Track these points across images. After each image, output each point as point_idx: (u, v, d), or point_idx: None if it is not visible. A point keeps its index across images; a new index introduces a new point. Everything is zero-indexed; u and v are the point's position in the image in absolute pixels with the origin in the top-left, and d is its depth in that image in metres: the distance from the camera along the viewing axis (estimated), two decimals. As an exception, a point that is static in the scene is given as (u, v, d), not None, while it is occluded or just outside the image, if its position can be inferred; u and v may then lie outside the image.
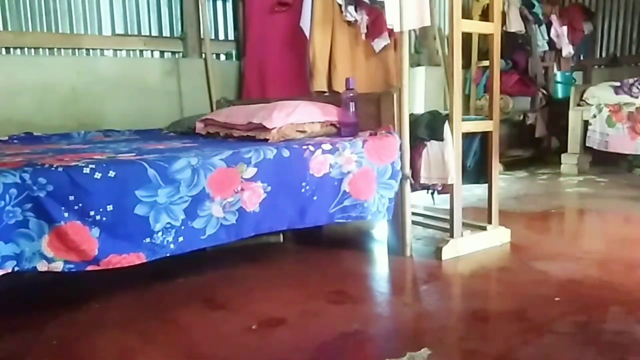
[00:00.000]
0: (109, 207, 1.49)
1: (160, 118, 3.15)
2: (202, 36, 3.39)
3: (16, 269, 1.39)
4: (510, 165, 4.54)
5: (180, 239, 1.63)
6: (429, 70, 4.64)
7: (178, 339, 1.48)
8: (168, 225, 1.60)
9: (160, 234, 1.58)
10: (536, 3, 4.77)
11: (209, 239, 1.70)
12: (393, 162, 2.06)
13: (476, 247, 2.23)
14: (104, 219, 1.48)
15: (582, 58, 5.40)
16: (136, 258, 1.56)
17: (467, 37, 4.12)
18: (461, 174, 2.19)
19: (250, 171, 1.75)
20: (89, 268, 1.49)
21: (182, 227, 1.63)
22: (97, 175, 1.47)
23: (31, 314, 1.65)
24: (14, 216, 1.37)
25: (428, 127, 2.14)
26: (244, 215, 1.75)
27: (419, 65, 4.70)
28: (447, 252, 2.13)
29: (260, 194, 1.78)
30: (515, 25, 4.40)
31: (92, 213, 1.46)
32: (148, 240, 1.57)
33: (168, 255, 1.62)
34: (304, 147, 1.89)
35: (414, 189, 2.21)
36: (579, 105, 4.51)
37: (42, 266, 1.42)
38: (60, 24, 3.10)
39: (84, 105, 3.01)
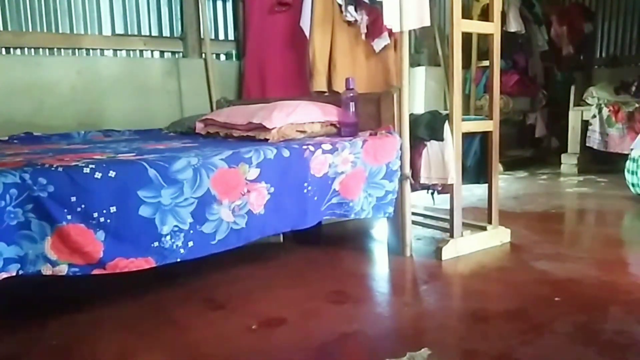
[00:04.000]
0: (112, 209, 1.48)
1: (160, 118, 3.15)
2: (202, 36, 3.39)
3: (20, 272, 1.38)
4: (510, 165, 4.54)
5: (190, 243, 1.62)
6: (429, 70, 4.64)
7: (178, 339, 1.48)
8: (176, 229, 1.58)
9: (168, 237, 1.57)
10: (536, 3, 4.77)
11: (219, 244, 1.69)
12: (389, 162, 2.06)
13: (476, 247, 2.23)
14: (108, 221, 1.47)
15: (582, 58, 5.39)
16: (145, 262, 1.54)
17: (467, 37, 4.12)
18: (461, 174, 2.19)
19: (254, 172, 1.74)
20: (96, 272, 1.47)
21: (191, 232, 1.62)
22: (97, 175, 1.46)
23: (31, 314, 1.65)
24: (15, 217, 1.37)
25: (428, 127, 2.14)
26: (252, 218, 1.75)
27: (419, 65, 4.70)
28: (447, 252, 2.13)
29: (264, 195, 1.78)
30: (515, 25, 4.40)
31: (95, 215, 1.45)
32: (157, 244, 1.55)
33: (179, 260, 1.61)
34: (304, 147, 1.88)
35: (414, 189, 2.21)
36: (579, 105, 4.52)
37: (46, 270, 1.40)
38: (60, 24, 3.10)
39: (84, 105, 3.01)
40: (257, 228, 1.78)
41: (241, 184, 1.72)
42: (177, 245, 1.59)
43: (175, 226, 1.58)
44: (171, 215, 1.57)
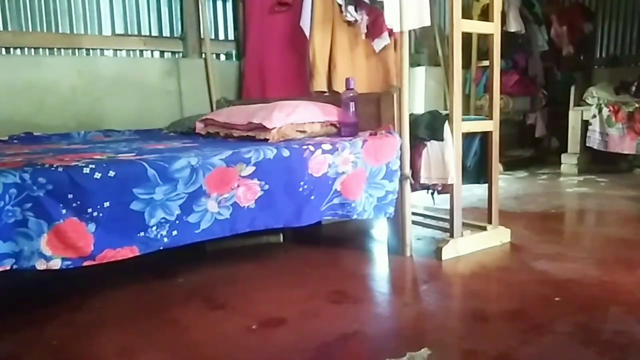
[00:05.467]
0: (106, 204, 1.49)
1: (160, 118, 3.15)
2: (202, 36, 3.39)
3: (15, 267, 1.40)
4: (510, 165, 4.54)
5: (174, 232, 1.64)
6: (429, 70, 4.64)
7: (178, 339, 1.48)
8: (163, 220, 1.60)
9: (154, 228, 1.59)
10: (536, 3, 4.77)
11: (203, 233, 1.70)
12: (389, 162, 2.06)
13: (476, 247, 2.23)
14: (101, 215, 1.49)
15: (582, 58, 5.39)
16: (130, 251, 1.56)
17: (467, 37, 4.12)
18: (461, 174, 2.19)
19: (249, 169, 1.75)
20: (86, 264, 1.50)
21: (177, 222, 1.63)
22: (97, 175, 1.47)
23: (31, 314, 1.65)
24: (13, 215, 1.37)
25: (428, 127, 2.14)
26: (237, 210, 1.76)
27: (419, 65, 4.69)
28: (447, 252, 2.13)
29: (257, 191, 1.79)
30: (515, 25, 4.40)
31: (89, 210, 1.47)
32: (142, 234, 1.57)
33: (161, 248, 1.62)
34: (304, 147, 1.89)
35: (414, 189, 2.21)
36: (579, 105, 4.51)
37: (40, 265, 1.42)
38: (60, 24, 3.09)
39: (84, 105, 3.01)
40: (244, 221, 1.78)
41: (234, 180, 1.73)
42: (161, 235, 1.61)
43: (163, 218, 1.60)
44: (161, 209, 1.59)
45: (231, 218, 1.75)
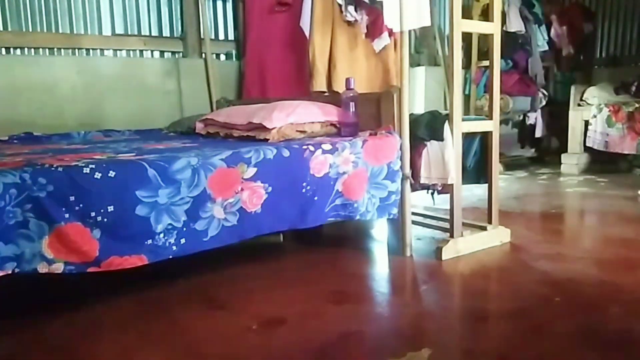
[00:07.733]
0: (110, 208, 1.48)
1: (160, 118, 3.15)
2: (202, 36, 3.39)
3: (16, 270, 1.38)
4: (510, 165, 4.54)
5: (183, 240, 1.62)
6: (429, 70, 4.64)
7: (178, 339, 1.48)
8: (170, 227, 1.59)
9: (162, 235, 1.57)
10: (536, 3, 4.76)
11: (211, 240, 1.69)
12: (390, 162, 2.06)
13: (476, 247, 2.23)
14: (105, 220, 1.47)
15: (582, 58, 5.39)
16: (138, 260, 1.55)
17: (467, 37, 4.12)
18: (461, 174, 2.19)
19: (250, 171, 1.75)
20: (90, 270, 1.48)
21: (184, 229, 1.62)
22: (97, 175, 1.47)
23: (31, 314, 1.65)
24: (14, 217, 1.37)
25: (428, 127, 2.14)
26: (244, 216, 1.75)
27: (419, 65, 4.70)
28: (447, 252, 2.13)
29: (262, 195, 1.78)
30: (515, 25, 4.40)
31: (92, 214, 1.46)
32: (150, 241, 1.56)
33: (170, 257, 1.61)
34: (304, 147, 1.89)
35: (414, 189, 2.21)
36: (579, 105, 4.52)
37: (42, 268, 1.41)
38: (60, 24, 3.09)
39: (84, 105, 3.01)
40: (252, 226, 1.77)
41: (237, 183, 1.72)
42: (169, 243, 1.59)
43: (170, 224, 1.59)
44: (166, 214, 1.58)
45: (239, 224, 1.73)
